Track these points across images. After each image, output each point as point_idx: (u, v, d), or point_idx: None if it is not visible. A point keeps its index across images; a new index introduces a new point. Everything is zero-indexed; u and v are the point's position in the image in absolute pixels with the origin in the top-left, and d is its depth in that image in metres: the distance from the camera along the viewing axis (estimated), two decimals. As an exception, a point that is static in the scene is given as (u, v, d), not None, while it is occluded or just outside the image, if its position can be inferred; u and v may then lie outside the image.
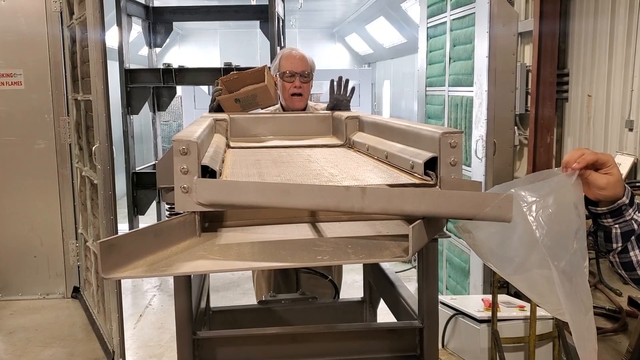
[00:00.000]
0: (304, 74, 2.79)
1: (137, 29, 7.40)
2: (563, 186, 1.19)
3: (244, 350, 1.62)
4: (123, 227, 5.12)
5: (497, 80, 3.58)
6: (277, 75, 2.80)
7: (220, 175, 1.46)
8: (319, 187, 1.24)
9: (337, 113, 2.40)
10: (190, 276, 1.58)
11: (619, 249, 1.23)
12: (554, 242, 1.13)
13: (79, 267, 4.53)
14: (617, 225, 1.22)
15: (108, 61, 3.35)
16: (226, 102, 2.49)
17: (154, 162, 6.05)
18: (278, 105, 2.91)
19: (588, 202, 1.25)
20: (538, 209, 1.15)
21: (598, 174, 1.19)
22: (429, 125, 1.61)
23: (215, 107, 2.54)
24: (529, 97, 8.43)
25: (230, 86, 2.55)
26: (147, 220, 5.71)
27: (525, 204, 1.16)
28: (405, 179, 1.50)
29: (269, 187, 1.23)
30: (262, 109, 2.71)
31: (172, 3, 7.95)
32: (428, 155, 1.44)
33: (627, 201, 1.21)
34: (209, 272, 1.25)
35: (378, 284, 2.21)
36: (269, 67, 2.70)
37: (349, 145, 2.16)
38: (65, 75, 4.42)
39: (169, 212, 1.44)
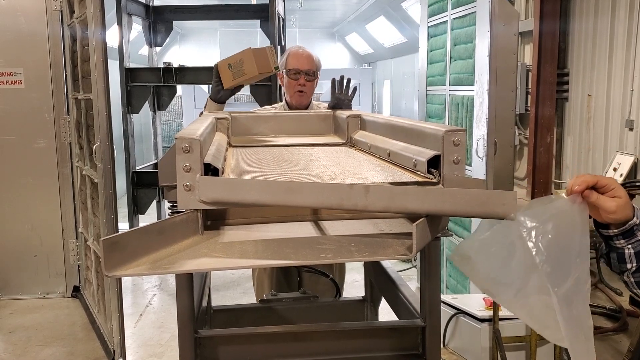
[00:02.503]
0: (310, 72, 2.81)
1: (137, 28, 7.39)
2: (564, 210, 1.18)
3: (246, 349, 1.61)
4: (123, 227, 5.11)
5: (497, 80, 3.57)
6: (284, 72, 2.82)
7: (222, 174, 1.46)
8: (322, 184, 1.24)
9: (338, 112, 2.40)
10: (192, 274, 1.58)
11: (634, 268, 1.24)
12: (554, 268, 1.13)
13: (79, 266, 4.53)
14: (629, 246, 1.23)
15: (108, 60, 3.34)
16: (222, 68, 2.48)
17: (154, 162, 6.04)
18: (283, 103, 2.92)
19: (598, 225, 1.25)
20: (538, 235, 1.15)
21: (606, 198, 1.20)
22: (432, 124, 1.61)
23: (215, 74, 2.52)
24: (529, 96, 8.43)
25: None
26: (147, 219, 5.71)
27: (525, 230, 1.16)
28: (408, 177, 1.50)
29: (272, 185, 1.23)
30: (260, 106, 2.70)
31: (173, 2, 7.95)
32: (431, 153, 1.43)
33: (637, 221, 1.22)
34: (212, 269, 1.24)
35: (379, 282, 2.20)
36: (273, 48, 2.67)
37: (351, 143, 2.16)
38: (66, 74, 4.41)
39: (171, 210, 1.43)
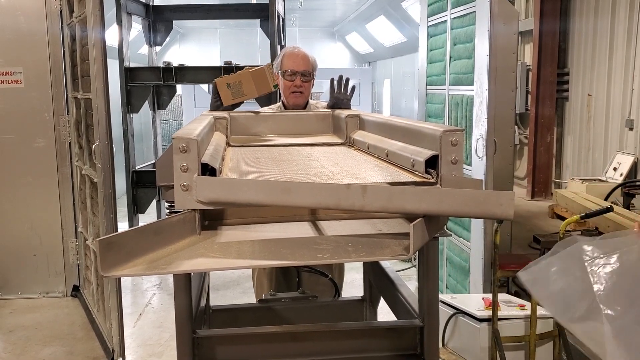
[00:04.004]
0: (306, 73, 2.79)
1: (137, 27, 7.39)
2: (630, 244, 1.22)
3: (244, 349, 1.61)
4: (123, 226, 5.11)
5: (497, 79, 3.57)
6: (279, 73, 2.80)
7: (220, 174, 1.46)
8: (319, 185, 1.23)
9: (337, 111, 2.40)
10: (190, 274, 1.57)
11: None
12: (612, 298, 1.15)
13: (78, 265, 4.53)
14: None
15: (108, 59, 3.34)
16: (221, 86, 2.51)
17: (153, 161, 6.04)
18: (280, 104, 2.91)
19: None
20: (600, 265, 1.18)
21: None
22: (430, 124, 1.61)
23: (214, 91, 2.54)
24: (529, 96, 8.43)
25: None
26: (147, 219, 5.70)
27: (589, 258, 1.19)
28: (406, 177, 1.50)
29: (269, 185, 1.23)
30: (260, 105, 2.71)
31: (173, 1, 7.94)
32: (429, 153, 1.43)
33: None
34: (209, 270, 1.24)
35: (378, 282, 2.20)
36: (272, 65, 2.70)
37: (350, 143, 2.15)
38: (65, 74, 4.41)
39: (168, 210, 1.43)
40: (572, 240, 1.27)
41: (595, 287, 1.16)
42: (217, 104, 2.53)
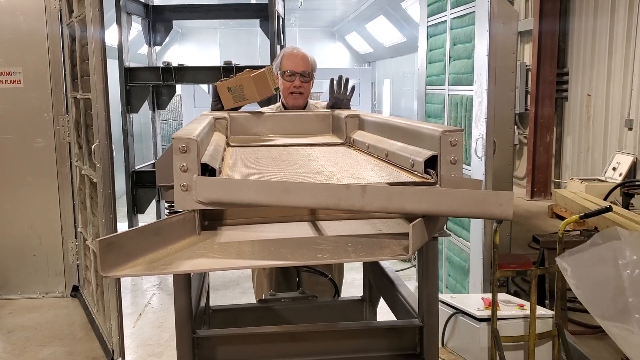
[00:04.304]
0: (305, 73, 2.78)
1: (136, 27, 7.39)
2: None
3: (244, 349, 1.61)
4: (122, 226, 5.11)
5: (497, 79, 3.57)
6: (278, 74, 2.79)
7: (220, 174, 1.46)
8: (319, 185, 1.24)
9: (337, 112, 2.40)
10: (190, 275, 1.58)
11: None
12: None
13: (78, 265, 4.53)
14: None
15: (107, 59, 3.34)
16: (222, 90, 2.51)
17: (153, 161, 6.03)
18: (279, 104, 2.91)
19: None
20: (634, 268, 1.18)
21: None
22: (429, 124, 1.61)
23: (214, 94, 2.54)
24: (529, 96, 8.44)
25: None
26: (146, 219, 5.70)
27: (624, 260, 1.19)
28: (406, 177, 1.50)
29: (269, 185, 1.23)
30: (260, 105, 2.72)
31: (172, 1, 7.95)
32: (428, 153, 1.43)
33: None
34: (209, 270, 1.24)
35: (378, 282, 2.20)
36: (272, 68, 2.70)
37: (349, 143, 2.16)
38: (65, 74, 4.41)
39: (168, 211, 1.43)
40: (612, 233, 1.26)
41: (629, 291, 1.16)
42: (217, 107, 2.53)
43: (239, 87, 2.48)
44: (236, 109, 2.56)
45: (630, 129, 6.49)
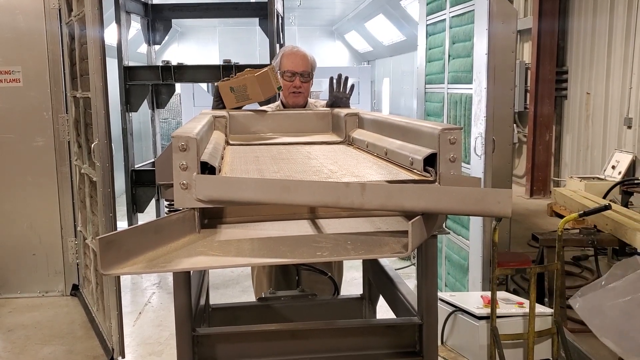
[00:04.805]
0: (305, 73, 2.79)
1: (136, 26, 7.39)
2: None
3: (244, 347, 1.62)
4: (122, 225, 5.11)
5: (496, 78, 3.57)
6: (277, 73, 2.79)
7: (219, 172, 1.46)
8: (318, 183, 1.24)
9: (336, 110, 2.40)
10: (189, 273, 1.58)
11: None
12: None
13: (78, 264, 4.53)
14: None
15: (107, 58, 3.34)
16: (223, 89, 2.50)
17: (153, 160, 6.04)
18: (278, 102, 2.91)
19: None
20: None
21: None
22: (429, 122, 1.61)
23: (216, 94, 2.53)
24: (528, 94, 8.44)
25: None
26: (146, 217, 5.70)
27: None
28: (405, 175, 1.50)
29: (268, 184, 1.23)
30: (260, 104, 2.71)
31: (171, 0, 7.94)
32: (427, 151, 1.44)
33: None
34: (209, 268, 1.25)
35: (377, 280, 2.21)
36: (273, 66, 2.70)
37: (349, 142, 2.16)
38: (64, 73, 4.41)
39: (168, 209, 1.44)
40: (632, 263, 1.23)
41: None
42: (219, 107, 2.53)
43: (242, 87, 2.47)
44: (238, 108, 2.56)
45: (630, 127, 6.49)
